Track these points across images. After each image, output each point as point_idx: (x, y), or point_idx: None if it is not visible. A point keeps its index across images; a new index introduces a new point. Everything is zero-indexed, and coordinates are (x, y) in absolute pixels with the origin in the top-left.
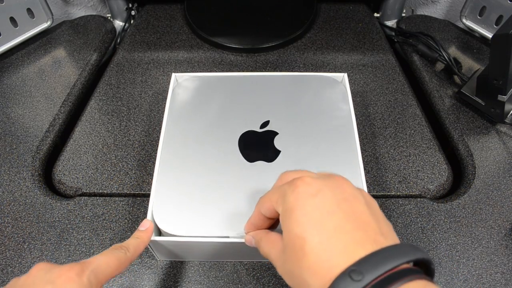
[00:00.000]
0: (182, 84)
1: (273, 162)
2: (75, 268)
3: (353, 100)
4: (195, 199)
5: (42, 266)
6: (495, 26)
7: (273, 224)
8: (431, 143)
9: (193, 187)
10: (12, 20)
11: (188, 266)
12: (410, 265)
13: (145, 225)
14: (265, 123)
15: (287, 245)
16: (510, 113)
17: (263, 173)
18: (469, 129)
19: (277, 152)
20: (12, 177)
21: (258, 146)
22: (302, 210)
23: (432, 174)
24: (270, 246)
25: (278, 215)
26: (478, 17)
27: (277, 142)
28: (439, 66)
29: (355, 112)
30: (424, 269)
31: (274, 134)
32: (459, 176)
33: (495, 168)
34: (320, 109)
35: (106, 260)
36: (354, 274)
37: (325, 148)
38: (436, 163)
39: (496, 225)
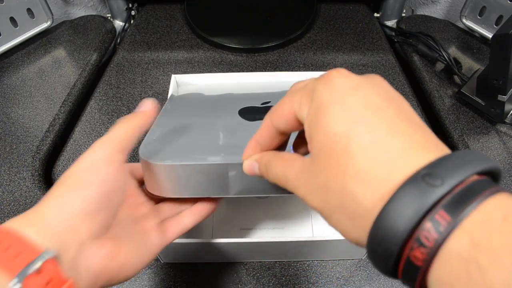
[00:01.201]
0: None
1: None
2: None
3: None
4: (186, 142)
5: None
6: (495, 26)
7: (282, 145)
8: None
9: (185, 134)
10: (12, 20)
11: (188, 267)
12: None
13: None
14: (266, 102)
15: (320, 151)
16: (510, 113)
17: None
18: (469, 129)
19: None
20: (12, 177)
21: (259, 114)
22: (342, 104)
23: None
24: (285, 165)
25: (298, 125)
26: (478, 17)
27: None
28: (439, 66)
29: None
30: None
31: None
32: None
33: None
34: None
35: (125, 133)
36: (429, 178)
37: None
38: None
39: None
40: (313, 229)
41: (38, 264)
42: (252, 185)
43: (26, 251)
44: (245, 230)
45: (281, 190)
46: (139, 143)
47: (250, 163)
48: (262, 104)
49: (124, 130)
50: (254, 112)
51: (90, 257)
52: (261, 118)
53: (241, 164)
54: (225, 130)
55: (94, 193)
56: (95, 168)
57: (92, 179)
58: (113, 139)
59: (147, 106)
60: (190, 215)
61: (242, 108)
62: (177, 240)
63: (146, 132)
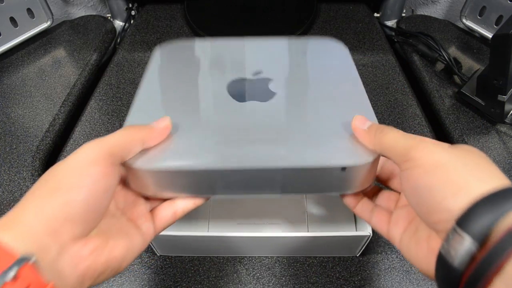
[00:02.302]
0: (162, 52)
1: (267, 102)
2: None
3: None
4: (177, 135)
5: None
6: (495, 26)
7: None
8: None
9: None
10: (12, 20)
11: (188, 266)
12: None
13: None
14: (257, 72)
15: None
16: (510, 113)
17: (257, 112)
18: (469, 129)
19: (272, 94)
20: (12, 177)
21: (250, 89)
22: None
23: None
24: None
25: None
26: (478, 17)
27: (272, 87)
28: (439, 66)
29: None
30: None
31: (267, 80)
32: None
33: None
34: (321, 69)
35: (119, 139)
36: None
37: (330, 92)
38: None
39: None
40: (308, 226)
41: (14, 271)
42: (246, 185)
43: (1, 258)
44: (242, 225)
45: (277, 189)
46: None
47: (362, 121)
48: (253, 74)
49: (122, 137)
50: (244, 86)
51: (73, 257)
52: (252, 97)
53: (232, 171)
54: (213, 114)
55: (77, 197)
56: (80, 169)
57: (76, 181)
58: (104, 142)
59: (162, 123)
60: (184, 200)
61: (232, 81)
62: (173, 233)
63: (146, 147)
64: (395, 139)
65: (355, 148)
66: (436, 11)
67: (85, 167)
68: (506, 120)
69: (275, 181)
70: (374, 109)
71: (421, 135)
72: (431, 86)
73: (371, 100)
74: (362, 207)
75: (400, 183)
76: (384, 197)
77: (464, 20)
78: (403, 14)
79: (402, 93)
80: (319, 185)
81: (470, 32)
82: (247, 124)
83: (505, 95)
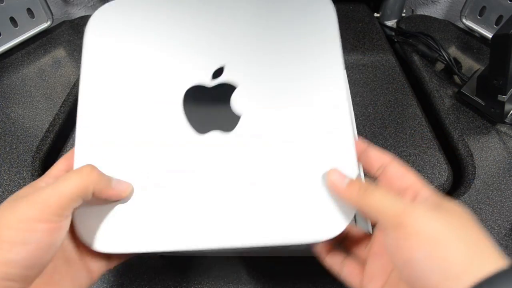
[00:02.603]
0: (102, 15)
1: (231, 132)
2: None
3: (352, 100)
4: (129, 203)
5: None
6: (495, 26)
7: None
8: (431, 143)
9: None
10: (12, 20)
11: (188, 266)
12: None
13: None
14: (219, 71)
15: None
16: (510, 113)
17: (217, 154)
18: (469, 129)
19: (236, 118)
20: (12, 177)
21: (210, 108)
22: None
23: (432, 174)
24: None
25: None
26: (478, 17)
27: (236, 102)
28: (439, 66)
29: (354, 112)
30: None
31: (231, 88)
32: (459, 176)
33: (495, 168)
34: (299, 44)
35: (69, 192)
36: None
37: (306, 106)
38: (436, 163)
39: (496, 225)
40: None
41: None
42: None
43: None
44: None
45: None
46: None
47: (340, 176)
48: (213, 74)
49: (77, 187)
50: (204, 95)
51: None
52: (214, 127)
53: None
54: (166, 159)
55: (19, 256)
56: (27, 223)
57: (20, 238)
58: (58, 192)
59: (122, 188)
60: None
61: (187, 92)
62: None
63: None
64: (383, 200)
65: (327, 216)
66: (436, 11)
67: (31, 222)
68: (506, 120)
69: (238, 251)
70: (374, 109)
71: (421, 135)
72: (431, 86)
73: (371, 100)
74: (332, 258)
75: (379, 238)
76: (354, 240)
77: (464, 20)
78: (403, 14)
79: (402, 93)
80: (285, 251)
81: (470, 32)
82: (205, 185)
83: (505, 95)
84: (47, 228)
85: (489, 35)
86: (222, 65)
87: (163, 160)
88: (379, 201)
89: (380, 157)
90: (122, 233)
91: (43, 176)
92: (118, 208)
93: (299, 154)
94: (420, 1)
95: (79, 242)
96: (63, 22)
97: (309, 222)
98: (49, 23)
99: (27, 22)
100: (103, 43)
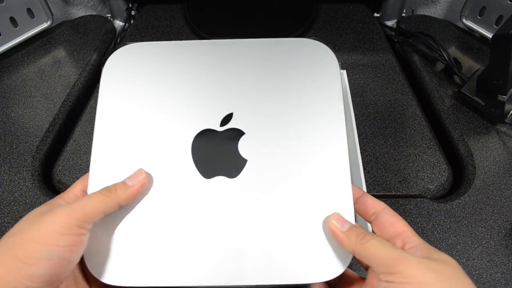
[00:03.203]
0: (117, 58)
1: (236, 178)
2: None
3: (352, 100)
4: (136, 240)
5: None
6: (495, 26)
7: None
8: (431, 143)
9: (132, 226)
10: (12, 20)
11: None
12: None
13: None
14: (228, 118)
15: None
16: (510, 113)
17: (222, 200)
18: (469, 129)
19: (243, 162)
20: (12, 177)
21: (217, 153)
22: None
23: (432, 174)
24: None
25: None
26: (478, 17)
27: (243, 146)
28: (439, 66)
29: (354, 112)
30: None
31: (239, 134)
32: (459, 176)
33: (495, 168)
34: (303, 94)
35: (93, 206)
36: None
37: (308, 153)
38: (436, 163)
39: (496, 225)
40: None
41: None
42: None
43: None
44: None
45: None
46: None
47: (341, 221)
48: (221, 121)
49: (97, 203)
50: (212, 139)
51: None
52: (218, 171)
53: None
54: (175, 200)
55: (41, 272)
56: (50, 239)
57: (44, 254)
58: (79, 208)
59: (137, 180)
60: None
61: (196, 137)
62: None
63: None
64: (379, 248)
65: (326, 259)
66: (436, 11)
67: (55, 236)
68: (506, 120)
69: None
70: (374, 109)
71: (421, 135)
72: (431, 86)
73: (371, 100)
74: None
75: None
76: (347, 283)
77: (464, 20)
78: (403, 14)
79: (402, 93)
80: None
81: (470, 32)
82: (212, 225)
83: (505, 95)
84: (69, 243)
85: (489, 35)
86: (230, 111)
87: (169, 200)
88: (375, 248)
89: (374, 204)
90: (127, 268)
91: (60, 196)
92: (126, 243)
93: (299, 200)
94: (420, 1)
95: (85, 265)
96: (63, 22)
97: (308, 264)
98: (49, 23)
99: (27, 22)
100: (119, 84)
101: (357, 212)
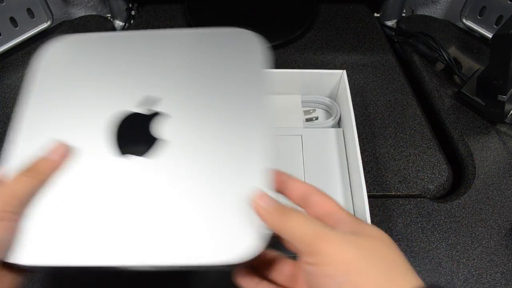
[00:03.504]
0: (48, 49)
1: (153, 156)
2: None
3: (352, 100)
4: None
5: None
6: (495, 26)
7: None
8: (431, 143)
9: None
10: (12, 20)
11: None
12: None
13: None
14: (151, 101)
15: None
16: (510, 113)
17: (139, 171)
18: (469, 129)
19: (160, 143)
20: None
21: (136, 133)
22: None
23: (432, 174)
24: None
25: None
26: (478, 17)
27: (164, 129)
28: (439, 66)
29: (354, 112)
30: None
31: (161, 117)
32: (459, 176)
33: (495, 168)
34: (226, 79)
35: (19, 189)
36: None
37: (226, 136)
38: (436, 163)
39: (496, 225)
40: None
41: None
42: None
43: None
44: None
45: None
46: None
47: (263, 196)
48: (143, 104)
49: (22, 185)
50: (133, 125)
51: None
52: (133, 150)
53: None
54: (86, 177)
55: None
56: None
57: None
58: (9, 193)
59: (57, 154)
60: None
61: (115, 123)
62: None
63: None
64: (300, 225)
65: (241, 240)
66: (436, 11)
67: None
68: (506, 120)
69: (149, 269)
70: (374, 109)
71: (421, 135)
72: (431, 86)
73: (371, 100)
74: (246, 280)
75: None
76: (269, 265)
77: (464, 20)
78: (403, 14)
79: (402, 93)
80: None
81: (470, 32)
82: (121, 205)
83: (505, 95)
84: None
85: (489, 35)
86: (156, 96)
87: (78, 177)
88: (298, 225)
89: (301, 187)
90: (35, 246)
91: None
92: (33, 223)
93: (213, 180)
94: (420, 1)
95: None
96: (63, 22)
97: (222, 245)
98: (49, 23)
99: (27, 22)
100: (44, 74)
101: (286, 197)
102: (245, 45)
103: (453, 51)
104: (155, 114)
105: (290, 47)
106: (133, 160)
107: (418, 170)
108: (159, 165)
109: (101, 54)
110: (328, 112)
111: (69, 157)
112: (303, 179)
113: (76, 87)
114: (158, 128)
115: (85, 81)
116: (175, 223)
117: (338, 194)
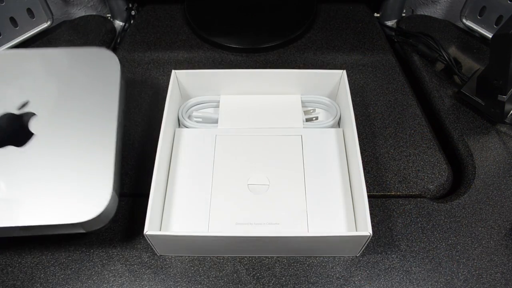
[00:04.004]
0: None
1: (23, 147)
2: None
3: (352, 100)
4: None
5: None
6: (495, 26)
7: None
8: (431, 143)
9: None
10: (12, 20)
11: (188, 266)
12: None
13: None
14: (24, 104)
15: None
16: (510, 113)
17: (13, 157)
18: (469, 129)
19: (30, 135)
20: None
21: (12, 129)
22: None
23: (432, 174)
24: None
25: None
26: (478, 17)
27: (33, 125)
28: (439, 66)
29: (354, 112)
30: None
31: (31, 116)
32: (459, 176)
33: (495, 168)
34: (86, 92)
35: None
36: None
37: (79, 135)
38: (436, 163)
39: (496, 225)
40: (308, 226)
41: None
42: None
43: None
44: (241, 225)
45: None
46: None
47: None
48: (18, 108)
49: None
50: (8, 125)
51: None
52: (10, 142)
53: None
54: None
55: None
56: None
57: None
58: None
59: None
60: None
61: None
62: (172, 233)
63: None
64: None
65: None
66: (436, 11)
67: None
68: (506, 120)
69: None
70: (374, 109)
71: (421, 135)
72: (431, 86)
73: (371, 100)
74: None
75: None
76: None
77: (464, 20)
78: (403, 14)
79: (402, 93)
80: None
81: (470, 32)
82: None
83: (505, 95)
84: None
85: (489, 35)
86: (27, 100)
87: None
88: None
89: None
90: None
91: None
92: None
93: (68, 161)
94: (420, 1)
95: None
96: (63, 22)
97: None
98: (49, 23)
99: (27, 22)
100: None
101: None
102: (102, 62)
103: (453, 51)
104: (29, 113)
105: (290, 47)
106: (8, 150)
107: (418, 170)
108: (29, 153)
109: None
110: (328, 112)
111: None
112: (303, 179)
113: None
114: (29, 125)
115: None
116: (39, 191)
117: (338, 194)
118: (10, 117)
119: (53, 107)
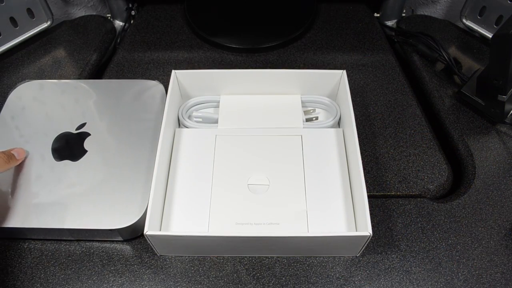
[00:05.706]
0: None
1: (78, 161)
2: None
3: (352, 100)
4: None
5: None
6: (495, 26)
7: None
8: (431, 143)
9: None
10: (12, 20)
11: (188, 266)
12: None
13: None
14: (81, 126)
15: None
16: (510, 113)
17: (69, 170)
18: (469, 129)
19: (85, 152)
20: None
21: (69, 145)
22: None
23: (432, 174)
24: None
25: None
26: (478, 17)
27: (88, 143)
28: (439, 66)
29: (354, 112)
30: None
31: (87, 134)
32: (459, 176)
33: (495, 168)
34: (134, 119)
35: None
36: None
37: (124, 153)
38: (436, 163)
39: (496, 225)
40: (308, 226)
41: None
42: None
43: None
44: (241, 225)
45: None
46: None
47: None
48: (76, 128)
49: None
50: (67, 142)
51: None
52: (67, 157)
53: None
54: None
55: None
56: None
57: None
58: None
59: (21, 156)
60: None
61: (58, 136)
62: (173, 233)
63: None
64: None
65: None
66: (436, 11)
67: None
68: (506, 120)
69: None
70: (374, 109)
71: (421, 135)
72: (431, 86)
73: (371, 100)
74: None
75: None
76: None
77: (464, 20)
78: (403, 14)
79: (402, 93)
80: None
81: (470, 32)
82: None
83: (505, 95)
84: None
85: (489, 35)
86: (84, 122)
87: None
88: None
89: None
90: None
91: None
92: None
93: (112, 174)
94: (420, 1)
95: None
96: (63, 22)
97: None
98: (49, 23)
99: (27, 22)
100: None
101: None
102: (150, 92)
103: (453, 51)
104: (83, 132)
105: (290, 47)
106: (64, 163)
107: (418, 170)
108: (83, 166)
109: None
110: (328, 112)
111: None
112: (303, 179)
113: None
114: (84, 143)
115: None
116: (85, 198)
117: (338, 194)
118: (69, 135)
119: (105, 129)
